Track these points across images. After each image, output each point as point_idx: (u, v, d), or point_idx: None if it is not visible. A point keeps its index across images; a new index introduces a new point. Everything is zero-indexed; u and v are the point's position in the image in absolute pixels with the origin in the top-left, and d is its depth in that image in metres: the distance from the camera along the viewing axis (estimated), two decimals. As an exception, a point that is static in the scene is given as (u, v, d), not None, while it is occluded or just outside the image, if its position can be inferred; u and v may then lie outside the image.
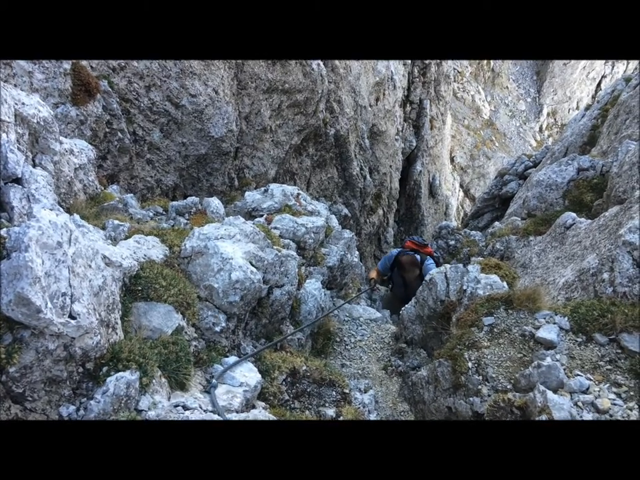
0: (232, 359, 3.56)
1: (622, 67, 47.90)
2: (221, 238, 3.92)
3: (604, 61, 48.84)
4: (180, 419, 2.49)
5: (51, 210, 2.59)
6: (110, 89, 6.74)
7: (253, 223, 4.75)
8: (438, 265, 6.81)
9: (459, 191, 38.55)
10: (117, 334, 2.74)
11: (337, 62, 12.44)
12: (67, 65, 5.87)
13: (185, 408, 2.71)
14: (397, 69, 18.26)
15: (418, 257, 7.12)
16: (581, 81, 50.01)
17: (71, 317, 2.28)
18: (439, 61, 22.44)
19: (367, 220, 17.36)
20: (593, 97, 47.07)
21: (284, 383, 3.87)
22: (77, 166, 4.75)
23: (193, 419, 2.54)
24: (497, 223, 11.23)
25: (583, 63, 48.96)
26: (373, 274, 7.88)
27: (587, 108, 13.89)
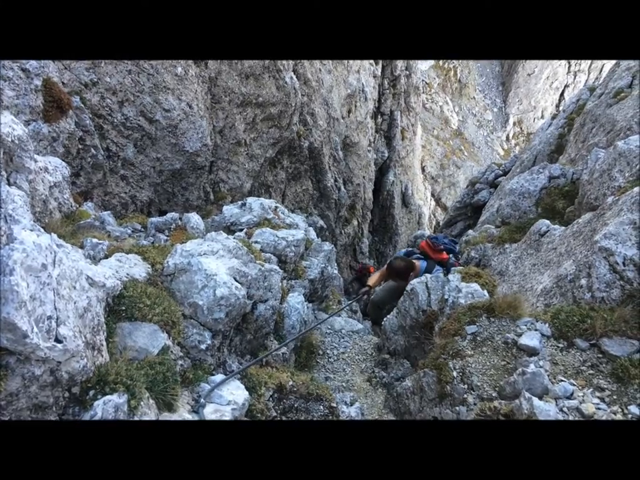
0: (218, 376, 3.51)
1: (584, 77, 49.56)
2: (204, 254, 3.88)
3: (566, 71, 50.47)
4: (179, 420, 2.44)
5: (31, 231, 2.52)
6: (82, 105, 6.64)
7: (234, 238, 4.71)
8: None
9: (431, 200, 39.12)
10: (102, 356, 2.68)
11: (309, 75, 12.53)
12: (37, 81, 5.76)
13: (175, 429, 2.66)
14: (367, 81, 18.48)
15: (424, 263, 6.37)
16: (545, 91, 51.54)
17: (57, 340, 2.22)
18: (408, 72, 22.81)
19: (342, 231, 17.43)
20: (557, 106, 48.58)
21: (271, 399, 3.83)
22: (52, 184, 4.65)
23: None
24: (470, 231, 11.38)
25: (546, 73, 50.52)
26: (373, 279, 7.12)
27: (554, 117, 14.28)
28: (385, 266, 6.88)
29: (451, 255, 6.71)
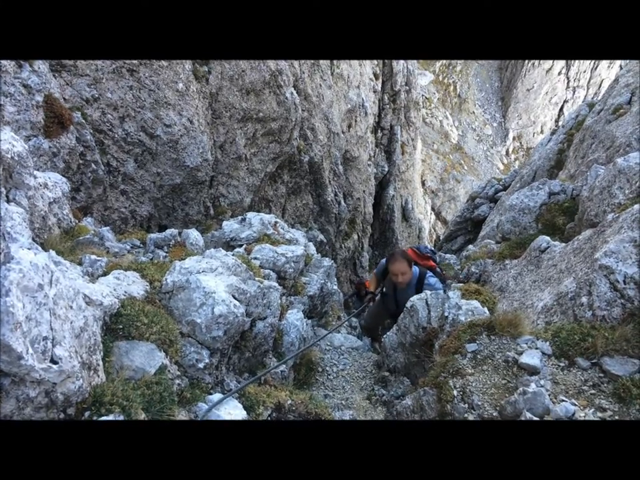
0: (216, 396, 3.47)
1: (583, 92, 49.92)
2: (202, 271, 3.86)
3: (565, 87, 50.87)
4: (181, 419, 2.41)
5: (29, 249, 2.51)
6: (83, 121, 6.66)
7: (233, 254, 4.69)
8: (443, 281, 6.08)
9: (431, 214, 39.20)
10: (98, 376, 2.65)
11: (309, 90, 12.61)
12: (39, 97, 5.78)
13: (171, 451, 2.62)
14: (367, 96, 18.60)
15: (416, 268, 6.18)
16: (544, 106, 51.89)
17: (53, 361, 2.19)
18: (407, 87, 22.97)
19: (342, 245, 17.42)
20: (556, 121, 48.92)
21: (269, 418, 3.78)
22: (52, 200, 4.65)
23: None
24: (470, 246, 11.38)
25: (545, 88, 50.91)
26: (373, 285, 7.13)
27: (553, 132, 14.34)
28: (385, 260, 6.73)
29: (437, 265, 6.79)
